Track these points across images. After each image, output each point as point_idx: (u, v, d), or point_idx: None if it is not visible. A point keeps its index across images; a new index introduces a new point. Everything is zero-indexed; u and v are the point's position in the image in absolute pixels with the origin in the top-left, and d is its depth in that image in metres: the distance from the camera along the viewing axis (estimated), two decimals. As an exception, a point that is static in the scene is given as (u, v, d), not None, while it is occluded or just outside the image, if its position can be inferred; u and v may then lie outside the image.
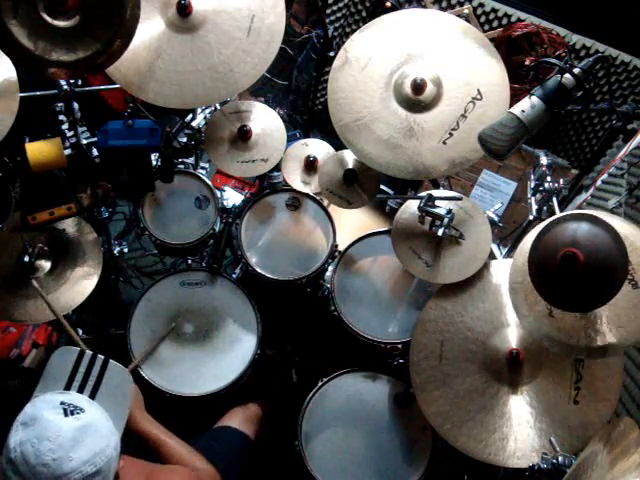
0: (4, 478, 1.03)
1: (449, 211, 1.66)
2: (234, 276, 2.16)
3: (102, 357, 1.24)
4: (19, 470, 1.01)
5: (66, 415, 1.07)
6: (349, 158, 1.87)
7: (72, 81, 1.68)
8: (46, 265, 1.82)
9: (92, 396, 1.18)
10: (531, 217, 1.82)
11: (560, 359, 1.55)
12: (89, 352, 1.24)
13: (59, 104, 1.73)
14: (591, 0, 2.54)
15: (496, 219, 1.87)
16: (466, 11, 2.54)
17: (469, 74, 1.61)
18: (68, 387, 1.18)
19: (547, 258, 1.24)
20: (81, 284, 1.83)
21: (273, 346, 2.23)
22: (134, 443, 1.25)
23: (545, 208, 1.79)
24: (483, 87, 1.60)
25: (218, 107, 2.12)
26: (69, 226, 1.88)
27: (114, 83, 1.65)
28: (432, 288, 1.83)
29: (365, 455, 1.83)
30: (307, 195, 2.13)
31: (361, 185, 1.85)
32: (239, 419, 1.97)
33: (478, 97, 1.60)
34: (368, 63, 1.66)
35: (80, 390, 1.18)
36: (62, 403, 1.09)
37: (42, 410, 1.08)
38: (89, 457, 1.05)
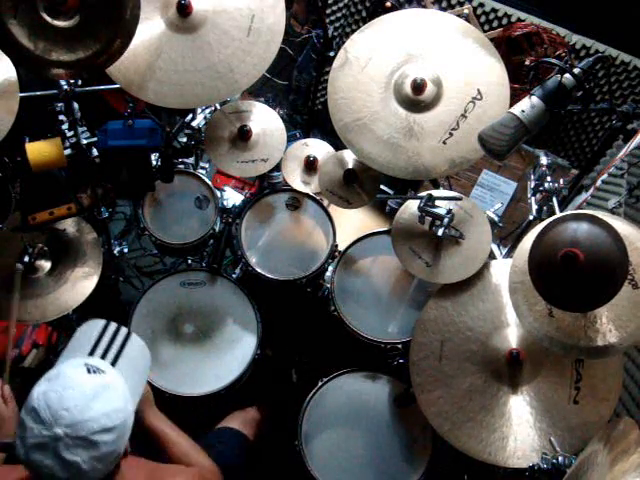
0: (20, 431, 1.06)
1: (449, 211, 1.66)
2: (234, 276, 2.16)
3: (125, 329, 1.30)
4: (40, 416, 1.04)
5: (89, 372, 1.12)
6: (349, 158, 1.87)
7: (72, 81, 1.67)
8: (46, 265, 1.82)
9: (113, 364, 1.23)
10: (531, 217, 1.82)
11: (560, 359, 1.55)
12: (114, 323, 1.30)
13: (59, 104, 1.73)
14: (591, 0, 2.54)
15: (496, 219, 1.87)
16: (466, 11, 2.54)
17: (469, 74, 1.61)
18: (92, 353, 1.24)
19: (547, 258, 1.24)
20: (81, 284, 1.83)
21: (273, 346, 2.23)
22: (137, 441, 1.27)
23: (545, 208, 1.79)
24: (483, 87, 1.60)
25: (218, 107, 2.12)
26: (69, 226, 1.88)
27: (114, 83, 1.65)
28: (432, 288, 1.83)
29: (365, 455, 1.83)
30: (307, 195, 2.13)
31: (361, 185, 1.85)
32: (239, 421, 1.99)
33: (478, 97, 1.60)
34: (368, 63, 1.66)
35: (103, 357, 1.23)
36: (85, 364, 1.14)
37: (66, 368, 1.13)
38: (108, 410, 1.09)
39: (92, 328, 1.29)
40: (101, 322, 1.30)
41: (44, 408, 1.05)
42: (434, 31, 1.65)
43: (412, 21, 1.67)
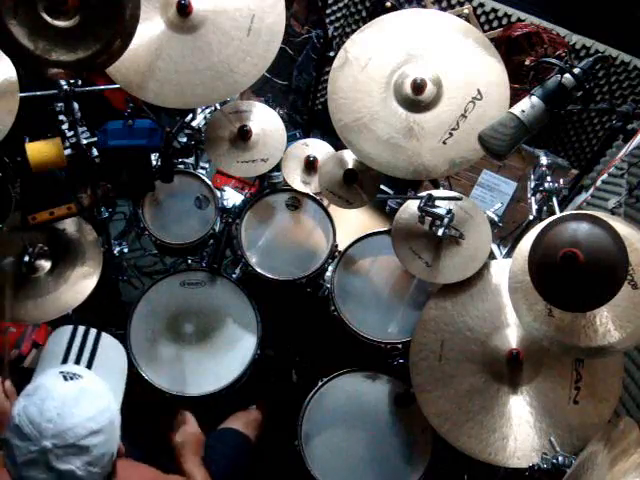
0: (7, 451, 1.04)
1: (449, 211, 1.66)
2: (234, 276, 2.16)
3: (95, 330, 1.30)
4: (24, 432, 1.03)
5: (66, 380, 1.11)
6: (349, 158, 1.87)
7: (72, 81, 1.67)
8: (46, 265, 1.82)
9: (89, 366, 1.23)
10: (531, 217, 1.82)
11: (560, 359, 1.55)
12: (82, 327, 1.30)
13: (59, 104, 1.73)
14: (591, 0, 2.54)
15: (496, 219, 1.87)
16: (466, 11, 2.54)
17: (469, 74, 1.61)
18: (65, 361, 1.23)
19: (547, 258, 1.24)
20: (81, 284, 1.83)
21: (273, 346, 2.23)
22: (139, 447, 1.27)
23: (545, 208, 1.79)
24: (483, 87, 1.60)
25: (218, 107, 2.12)
26: (69, 226, 1.87)
27: (114, 83, 1.65)
28: (432, 288, 1.83)
29: (365, 455, 1.83)
30: (307, 195, 2.13)
31: (361, 185, 1.85)
32: (241, 422, 1.99)
33: (478, 97, 1.60)
34: (368, 63, 1.66)
35: (77, 362, 1.23)
36: (61, 372, 1.13)
37: (42, 380, 1.11)
38: (92, 414, 1.07)
39: (61, 336, 1.29)
40: (68, 328, 1.29)
41: (27, 424, 1.03)
42: (434, 31, 1.65)
43: (412, 21, 1.67)
